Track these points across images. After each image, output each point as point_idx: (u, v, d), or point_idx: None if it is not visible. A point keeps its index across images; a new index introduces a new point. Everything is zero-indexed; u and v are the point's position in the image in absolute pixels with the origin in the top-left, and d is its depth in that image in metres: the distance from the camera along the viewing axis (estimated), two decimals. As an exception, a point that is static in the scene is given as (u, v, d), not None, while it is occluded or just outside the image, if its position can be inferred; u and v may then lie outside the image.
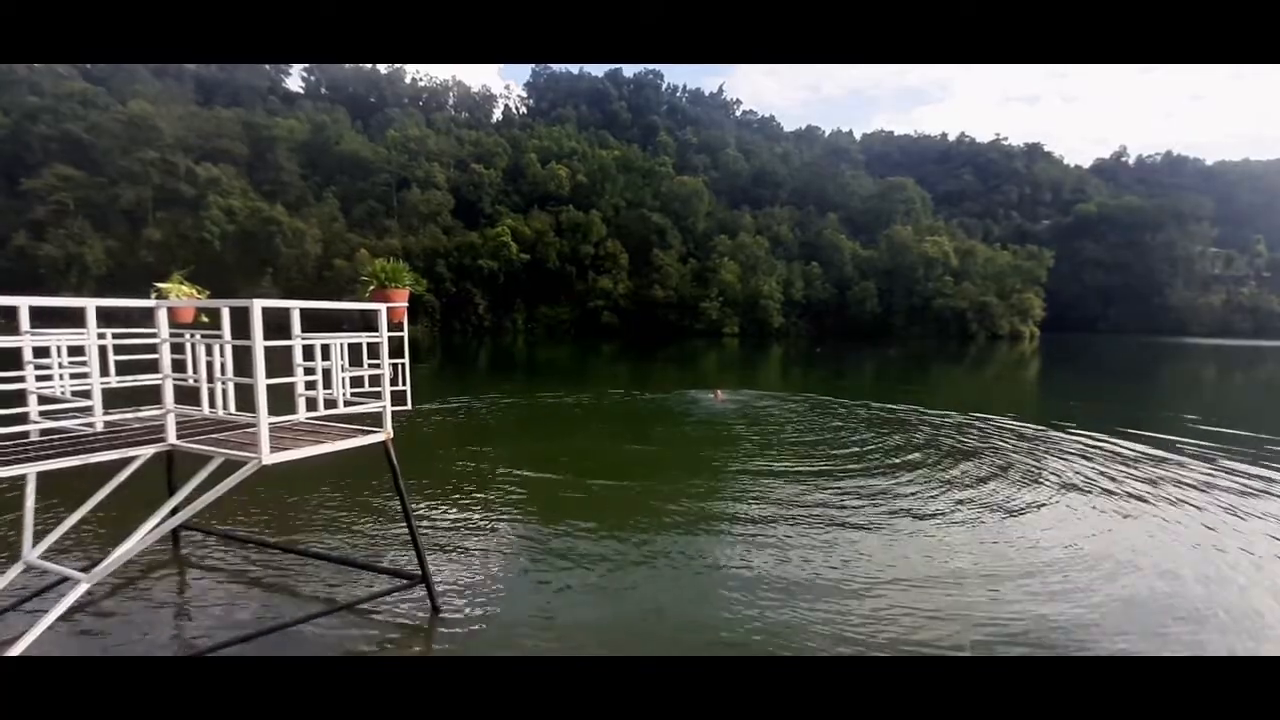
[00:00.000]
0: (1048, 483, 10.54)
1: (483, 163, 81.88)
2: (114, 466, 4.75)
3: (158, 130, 64.51)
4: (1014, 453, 12.85)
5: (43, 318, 5.02)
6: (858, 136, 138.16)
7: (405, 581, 5.98)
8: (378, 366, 5.22)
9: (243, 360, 4.72)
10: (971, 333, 76.50)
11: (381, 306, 5.25)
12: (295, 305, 4.93)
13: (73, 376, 5.16)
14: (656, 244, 78.54)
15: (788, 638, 5.51)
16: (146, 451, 4.63)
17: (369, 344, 5.30)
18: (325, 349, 5.20)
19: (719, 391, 20.56)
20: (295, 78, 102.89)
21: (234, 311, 4.96)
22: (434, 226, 73.40)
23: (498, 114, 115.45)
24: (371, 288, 5.68)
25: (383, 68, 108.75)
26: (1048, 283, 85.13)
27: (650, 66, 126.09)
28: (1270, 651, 5.67)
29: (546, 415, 17.56)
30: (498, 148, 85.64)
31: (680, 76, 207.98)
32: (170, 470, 6.25)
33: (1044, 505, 9.37)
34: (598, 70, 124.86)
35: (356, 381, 5.45)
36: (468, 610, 5.91)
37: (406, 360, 5.75)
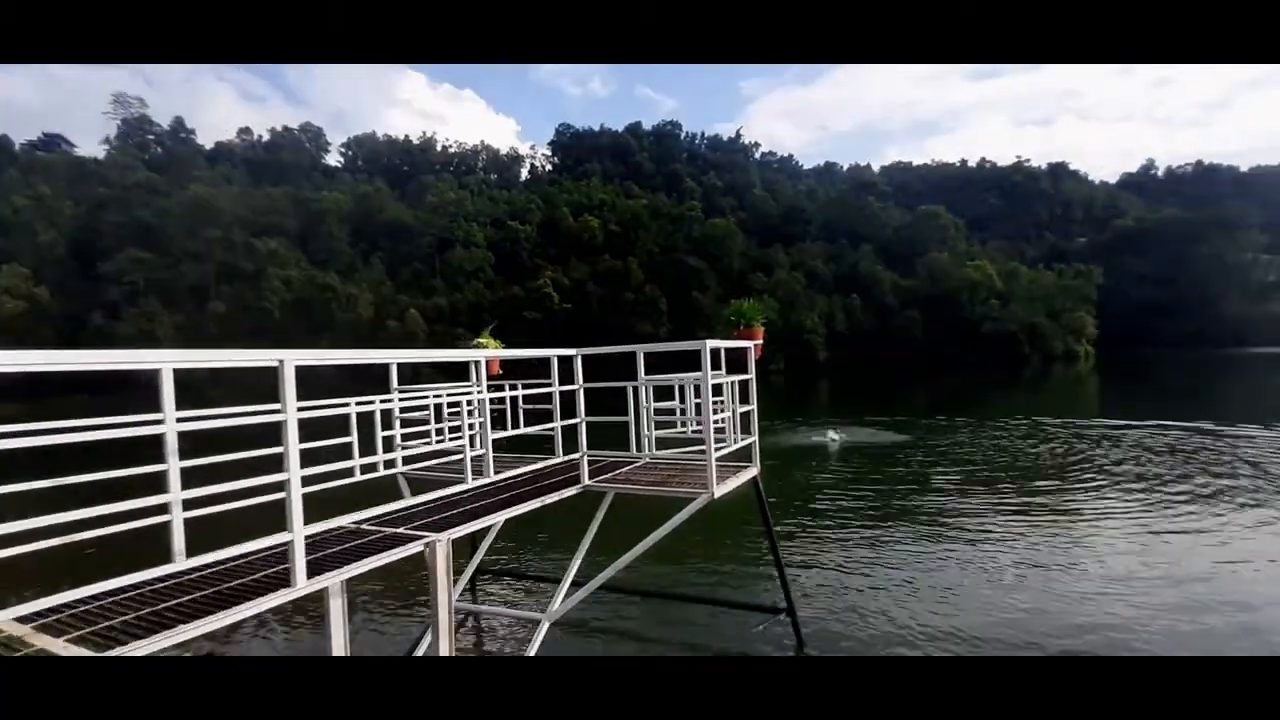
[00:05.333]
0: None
1: (518, 219, 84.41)
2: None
3: (218, 210, 68.07)
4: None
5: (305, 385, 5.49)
6: (876, 169, 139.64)
7: (769, 617, 6.26)
8: (720, 405, 5.40)
9: (569, 402, 5.46)
10: (1024, 355, 74.83)
11: (750, 344, 5.45)
12: (640, 349, 5.21)
13: (416, 430, 5.60)
14: (694, 286, 79.31)
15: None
16: (567, 493, 5.06)
17: (715, 383, 5.44)
18: (681, 388, 5.61)
19: (832, 432, 19.79)
20: (334, 154, 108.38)
21: (558, 360, 5.62)
22: (477, 282, 75.30)
23: (525, 173, 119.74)
24: (740, 327, 5.89)
25: (414, 138, 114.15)
26: (1096, 301, 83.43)
27: (669, 119, 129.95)
28: None
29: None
30: (530, 204, 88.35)
31: (697, 124, 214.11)
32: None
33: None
34: (617, 125, 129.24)
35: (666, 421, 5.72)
36: (833, 643, 6.01)
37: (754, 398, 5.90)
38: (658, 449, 5.82)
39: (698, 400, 5.48)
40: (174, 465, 3.23)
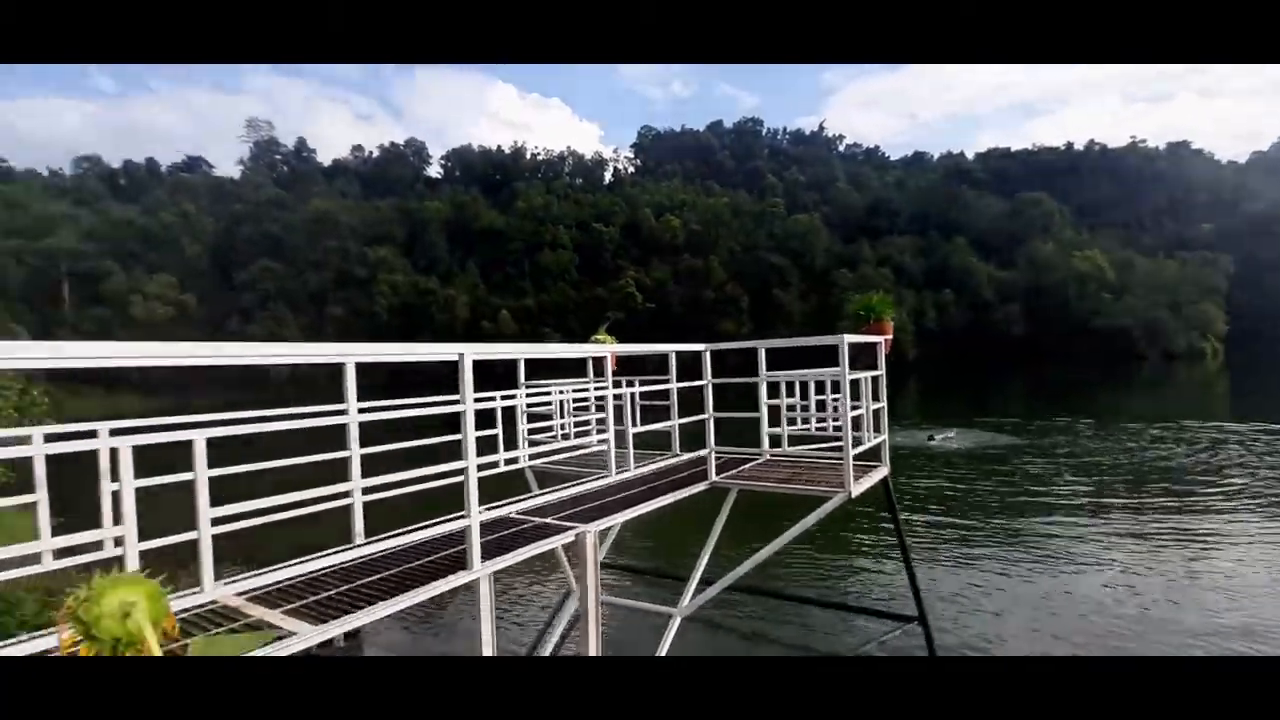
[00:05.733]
0: None
1: (601, 221, 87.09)
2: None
3: (335, 222, 74.88)
4: None
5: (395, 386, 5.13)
6: (970, 156, 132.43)
7: (897, 625, 5.96)
8: (856, 405, 5.27)
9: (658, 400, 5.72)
10: (1139, 352, 69.29)
11: (881, 339, 5.46)
12: (762, 345, 5.36)
13: (541, 424, 5.88)
14: (775, 284, 78.95)
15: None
16: (696, 489, 5.13)
17: (842, 380, 5.23)
18: (799, 385, 5.63)
19: (935, 433, 19.23)
20: (435, 166, 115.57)
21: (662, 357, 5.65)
22: (563, 284, 78.49)
23: (609, 176, 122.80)
24: (870, 321, 5.80)
25: (506, 147, 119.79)
26: (1225, 293, 75.85)
27: (750, 115, 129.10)
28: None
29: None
30: (614, 206, 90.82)
31: (779, 119, 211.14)
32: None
33: None
34: (699, 125, 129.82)
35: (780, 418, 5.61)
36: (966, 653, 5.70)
37: (884, 395, 5.74)
38: (776, 446, 5.76)
39: (821, 397, 5.51)
40: (355, 453, 3.39)
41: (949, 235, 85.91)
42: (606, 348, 5.76)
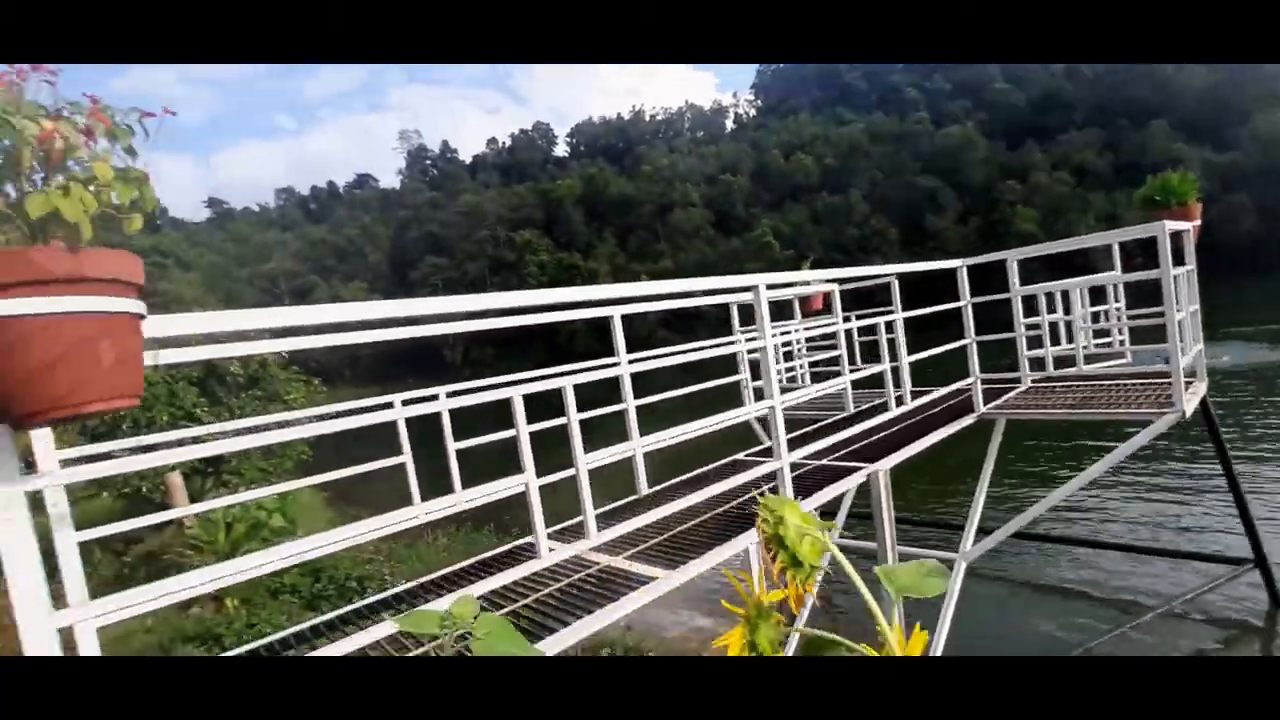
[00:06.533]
0: None
1: (729, 171, 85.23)
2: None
3: (483, 213, 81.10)
4: None
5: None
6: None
7: (1230, 569, 5.08)
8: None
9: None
10: None
11: (1189, 225, 4.52)
12: (1011, 255, 4.83)
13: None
14: (927, 209, 72.39)
15: None
16: (963, 423, 4.89)
17: (1109, 286, 4.76)
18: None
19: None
20: (561, 145, 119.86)
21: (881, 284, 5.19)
22: (699, 241, 78.47)
23: (730, 124, 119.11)
24: (1172, 205, 4.92)
25: (625, 114, 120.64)
26: None
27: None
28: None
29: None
30: (740, 154, 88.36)
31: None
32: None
33: None
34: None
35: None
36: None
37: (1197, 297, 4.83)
38: (1038, 370, 5.27)
39: (1099, 308, 5.01)
40: (630, 404, 3.49)
41: (1142, 122, 72.51)
42: (818, 282, 5.41)
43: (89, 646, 2.05)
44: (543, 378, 3.45)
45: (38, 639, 1.46)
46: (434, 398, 3.59)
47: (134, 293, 1.45)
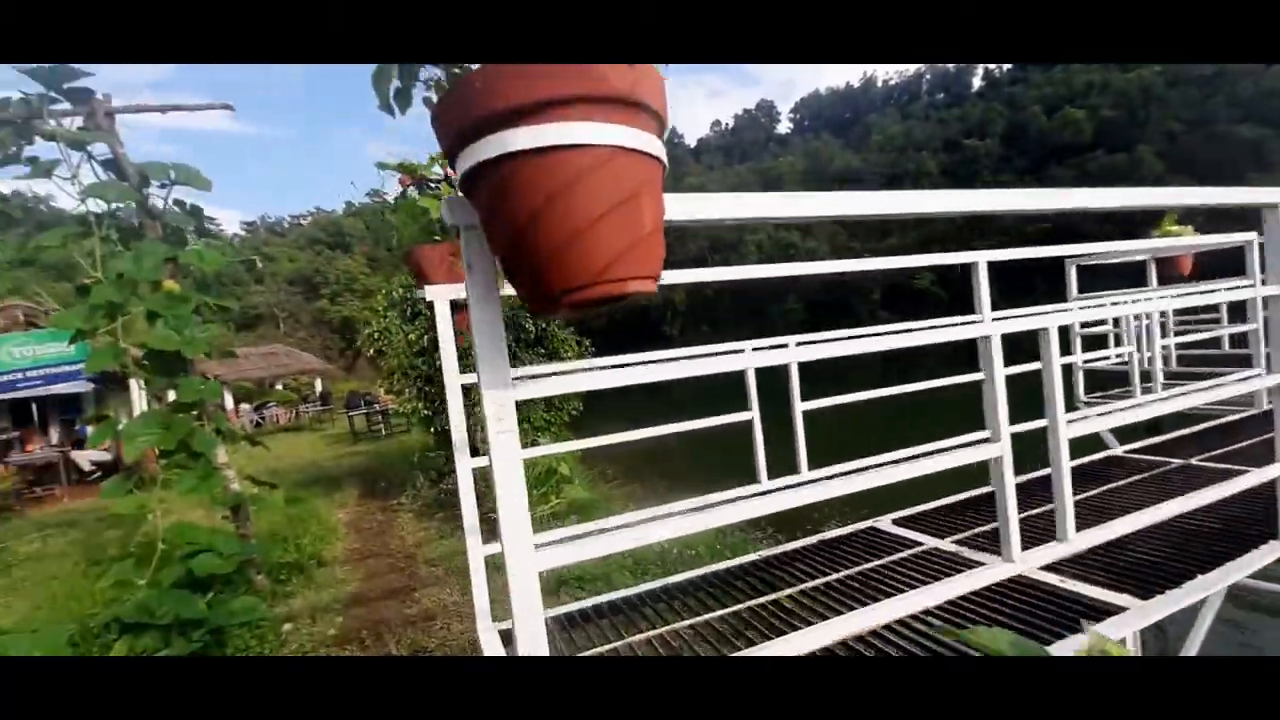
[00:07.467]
0: None
1: (974, 135, 76.65)
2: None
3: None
4: None
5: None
6: None
7: None
8: None
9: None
10: None
11: None
12: None
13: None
14: (1246, 166, 57.38)
15: None
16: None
17: None
18: None
19: None
20: (784, 122, 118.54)
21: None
22: (931, 216, 72.77)
23: (977, 81, 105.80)
24: None
25: (855, 81, 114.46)
26: None
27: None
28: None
29: None
30: (990, 114, 78.77)
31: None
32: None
33: None
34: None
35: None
36: None
37: None
38: None
39: None
40: (999, 372, 2.50)
41: None
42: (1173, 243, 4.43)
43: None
44: (895, 331, 2.65)
45: (520, 571, 1.14)
46: (782, 346, 3.05)
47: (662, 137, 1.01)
